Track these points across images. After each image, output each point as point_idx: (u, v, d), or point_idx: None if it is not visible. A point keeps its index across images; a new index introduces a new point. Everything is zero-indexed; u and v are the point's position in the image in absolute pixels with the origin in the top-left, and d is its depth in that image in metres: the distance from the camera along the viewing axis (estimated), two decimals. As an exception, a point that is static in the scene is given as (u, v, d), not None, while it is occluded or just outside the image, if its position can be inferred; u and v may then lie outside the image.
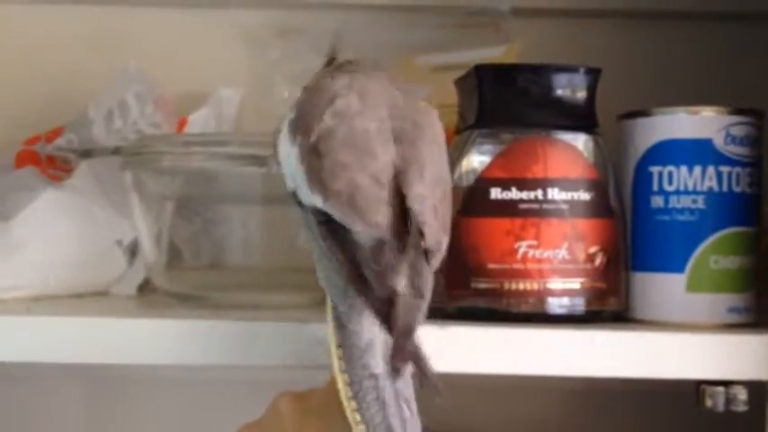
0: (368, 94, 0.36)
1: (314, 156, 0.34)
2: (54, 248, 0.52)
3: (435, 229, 0.34)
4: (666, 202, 0.44)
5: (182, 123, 0.61)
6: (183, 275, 0.53)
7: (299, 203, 0.36)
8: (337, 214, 0.33)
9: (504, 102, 0.44)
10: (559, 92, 0.44)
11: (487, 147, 0.44)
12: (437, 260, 0.34)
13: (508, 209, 0.43)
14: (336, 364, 0.34)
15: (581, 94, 0.45)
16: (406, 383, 0.33)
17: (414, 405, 0.34)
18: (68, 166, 0.59)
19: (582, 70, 0.45)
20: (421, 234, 0.33)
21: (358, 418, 0.32)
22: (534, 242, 0.42)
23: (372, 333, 0.33)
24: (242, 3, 0.67)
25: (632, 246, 0.45)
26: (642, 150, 0.45)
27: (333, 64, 0.40)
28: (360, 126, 0.34)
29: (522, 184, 0.43)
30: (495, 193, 0.43)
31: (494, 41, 0.58)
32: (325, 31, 0.66)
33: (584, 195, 0.43)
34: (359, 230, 0.33)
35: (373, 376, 0.33)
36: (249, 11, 0.68)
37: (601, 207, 0.44)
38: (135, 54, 0.66)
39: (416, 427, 0.33)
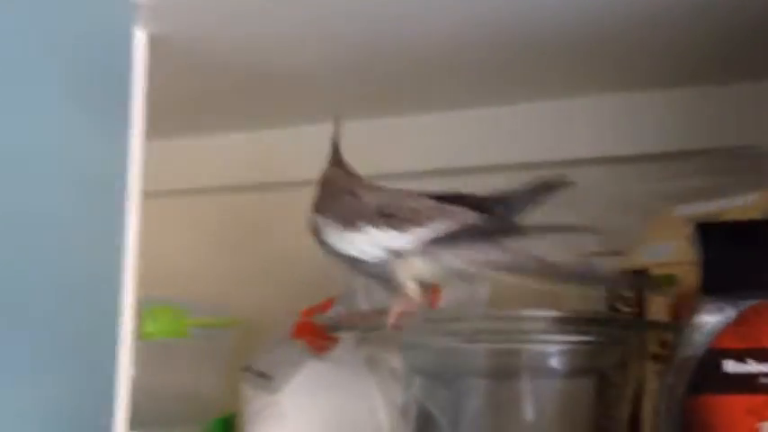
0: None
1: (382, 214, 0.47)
2: (315, 420, 0.56)
3: None
4: None
5: (435, 291, 0.63)
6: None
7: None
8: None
9: (732, 263, 0.40)
10: (799, 248, 0.39)
11: (717, 314, 0.39)
12: None
13: (746, 384, 0.37)
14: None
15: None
16: None
17: None
18: (337, 337, 0.63)
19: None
20: None
21: None
22: (782, 423, 0.36)
23: None
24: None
25: None
26: None
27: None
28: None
29: (761, 356, 0.37)
30: (730, 367, 0.38)
31: (753, 185, 0.53)
32: (578, 187, 0.66)
33: (841, 365, 0.36)
34: None
35: None
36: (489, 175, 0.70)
37: None
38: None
39: None
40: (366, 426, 0.57)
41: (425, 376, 0.54)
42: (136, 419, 0.58)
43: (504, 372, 0.51)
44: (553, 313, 0.46)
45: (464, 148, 0.71)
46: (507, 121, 0.69)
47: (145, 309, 0.56)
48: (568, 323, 0.46)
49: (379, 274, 0.49)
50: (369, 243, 0.47)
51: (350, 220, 0.48)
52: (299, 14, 0.52)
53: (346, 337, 0.61)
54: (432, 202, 0.47)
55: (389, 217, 0.46)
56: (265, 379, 0.59)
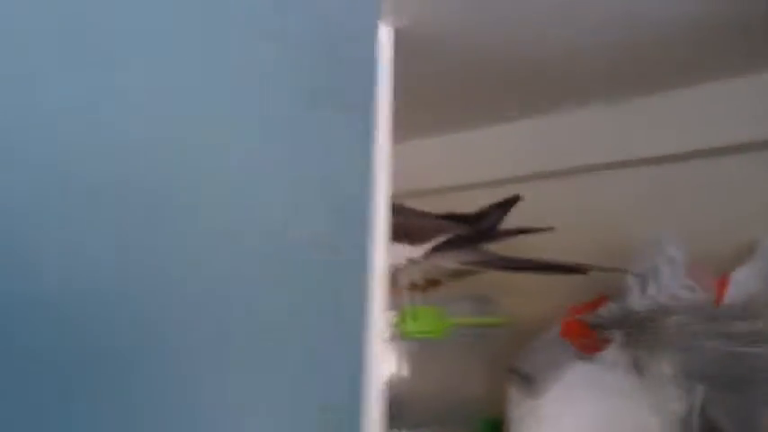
0: None
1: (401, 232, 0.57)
2: (579, 427, 0.52)
3: None
4: None
5: (722, 283, 0.56)
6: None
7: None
8: None
9: None
10: None
11: None
12: None
13: None
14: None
15: None
16: None
17: None
18: (607, 337, 0.59)
19: None
20: None
21: None
22: None
23: None
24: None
25: None
26: None
27: None
28: None
29: None
30: None
31: None
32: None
33: None
34: None
35: None
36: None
37: None
38: (683, 209, 0.64)
39: None
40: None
41: (708, 382, 0.48)
42: (401, 419, 0.57)
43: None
44: None
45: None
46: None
47: (406, 308, 0.56)
48: None
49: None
50: (394, 254, 0.57)
51: None
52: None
53: (617, 338, 0.56)
54: (435, 220, 0.63)
55: (408, 235, 0.60)
56: (529, 381, 0.56)
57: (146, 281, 0.34)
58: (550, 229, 0.61)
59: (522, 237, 0.63)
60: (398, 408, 0.58)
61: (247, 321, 0.38)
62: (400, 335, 0.55)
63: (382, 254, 0.47)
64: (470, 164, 0.73)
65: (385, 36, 0.49)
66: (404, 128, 0.73)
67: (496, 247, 0.63)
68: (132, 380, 0.33)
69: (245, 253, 0.38)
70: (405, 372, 0.58)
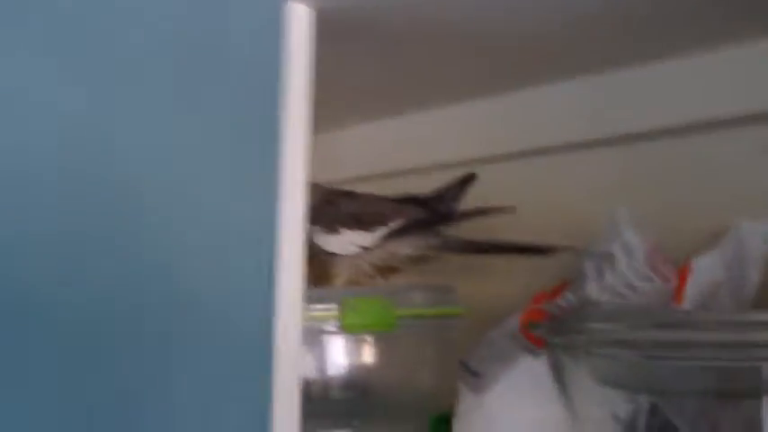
0: None
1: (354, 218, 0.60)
2: (529, 421, 0.49)
3: None
4: None
5: (684, 271, 0.51)
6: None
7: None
8: None
9: None
10: None
11: None
12: None
13: None
14: None
15: None
16: None
17: None
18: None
19: None
20: None
21: None
22: None
23: None
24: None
25: None
26: None
27: None
28: None
29: None
30: None
31: None
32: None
33: None
34: None
35: None
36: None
37: None
38: (652, 191, 0.60)
39: None
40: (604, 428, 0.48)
41: (651, 393, 0.45)
42: (349, 413, 0.55)
43: (736, 392, 0.40)
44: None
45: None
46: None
47: (346, 300, 0.53)
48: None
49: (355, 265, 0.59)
50: (346, 242, 0.58)
51: (331, 225, 0.58)
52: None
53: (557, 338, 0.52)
54: (390, 204, 0.60)
55: (359, 221, 0.58)
56: (476, 377, 0.53)
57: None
58: (512, 208, 0.58)
59: (482, 220, 0.60)
60: (345, 403, 0.56)
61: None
62: (341, 328, 0.53)
63: (298, 245, 0.44)
64: (425, 146, 0.70)
65: (304, 18, 0.46)
66: (349, 113, 0.71)
67: (456, 231, 0.60)
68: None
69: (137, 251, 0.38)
70: (350, 366, 0.56)
